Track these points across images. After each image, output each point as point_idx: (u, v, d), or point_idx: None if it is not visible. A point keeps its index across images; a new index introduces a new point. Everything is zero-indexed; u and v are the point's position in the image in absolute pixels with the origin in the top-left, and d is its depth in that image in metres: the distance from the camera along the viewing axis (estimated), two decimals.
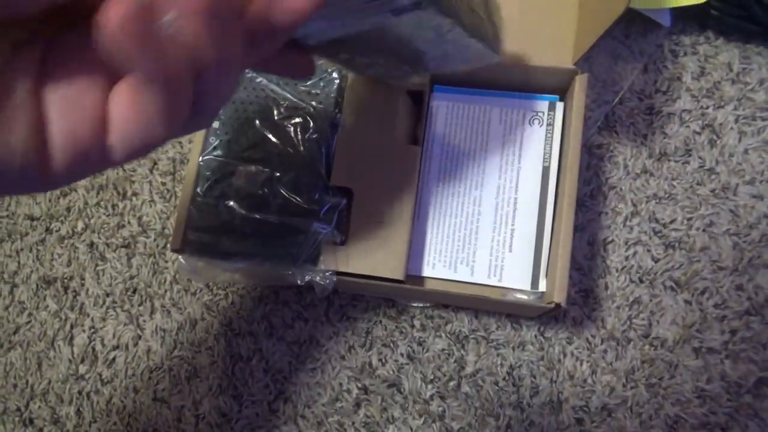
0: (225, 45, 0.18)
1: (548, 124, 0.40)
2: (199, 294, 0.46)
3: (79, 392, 0.45)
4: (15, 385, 0.46)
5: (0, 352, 0.47)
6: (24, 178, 0.18)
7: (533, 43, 0.39)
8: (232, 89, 0.21)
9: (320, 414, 0.42)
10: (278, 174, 0.38)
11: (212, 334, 0.45)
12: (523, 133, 0.40)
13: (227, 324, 0.45)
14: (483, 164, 0.40)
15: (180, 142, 0.49)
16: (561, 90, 0.40)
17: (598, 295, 0.42)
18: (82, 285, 0.47)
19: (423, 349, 0.43)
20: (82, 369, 0.46)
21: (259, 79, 0.39)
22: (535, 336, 0.42)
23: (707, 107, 0.44)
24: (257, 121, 0.39)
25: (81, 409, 0.45)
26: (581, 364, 0.41)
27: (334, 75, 0.39)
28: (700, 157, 0.43)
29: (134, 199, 0.48)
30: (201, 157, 0.39)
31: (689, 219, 0.42)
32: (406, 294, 0.41)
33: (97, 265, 0.47)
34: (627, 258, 0.42)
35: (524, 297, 0.38)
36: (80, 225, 0.49)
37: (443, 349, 0.42)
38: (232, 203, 0.37)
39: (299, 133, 0.38)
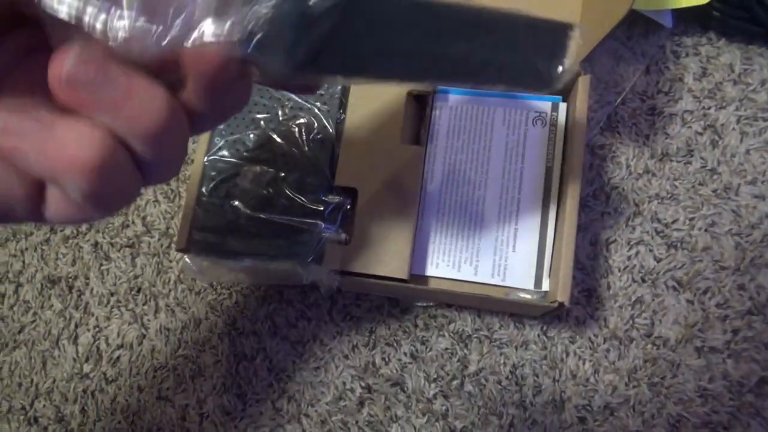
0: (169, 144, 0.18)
1: (551, 125, 0.40)
2: (203, 293, 0.46)
3: (84, 391, 0.45)
4: (20, 384, 0.46)
5: (5, 351, 0.47)
6: None
7: None
8: (183, 152, 0.20)
9: (324, 413, 0.43)
10: (283, 174, 0.38)
11: (216, 333, 0.45)
12: (527, 134, 0.40)
13: (231, 323, 0.45)
14: (486, 165, 0.40)
15: None
16: (564, 91, 0.40)
17: (601, 294, 0.42)
18: (87, 284, 0.47)
19: (426, 348, 0.43)
20: (86, 368, 0.46)
21: None
22: (538, 335, 0.42)
23: (709, 108, 0.44)
24: (262, 122, 0.39)
25: (85, 407, 0.45)
26: (584, 364, 0.41)
27: None
28: (702, 158, 0.43)
29: (138, 199, 0.49)
30: (206, 158, 0.39)
31: (691, 219, 0.43)
32: (409, 293, 0.41)
33: (101, 265, 0.48)
34: (629, 258, 0.42)
35: (528, 296, 0.38)
36: (84, 225, 0.49)
37: (446, 348, 0.43)
38: (237, 203, 0.38)
39: (304, 133, 0.39)
